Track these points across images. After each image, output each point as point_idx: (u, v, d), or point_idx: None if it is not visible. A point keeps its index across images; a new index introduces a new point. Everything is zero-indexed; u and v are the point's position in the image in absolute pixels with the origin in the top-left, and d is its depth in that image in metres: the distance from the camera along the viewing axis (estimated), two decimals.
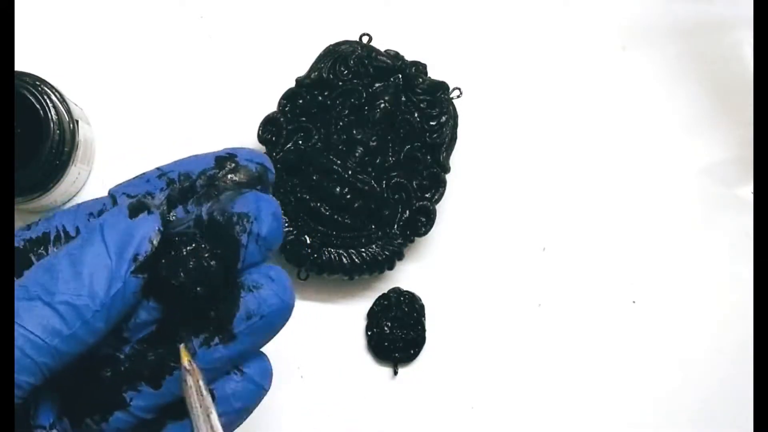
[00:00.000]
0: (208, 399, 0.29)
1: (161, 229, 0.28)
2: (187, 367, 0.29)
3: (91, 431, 0.30)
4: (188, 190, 0.30)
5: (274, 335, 0.31)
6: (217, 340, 0.30)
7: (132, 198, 0.30)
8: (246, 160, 0.31)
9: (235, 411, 0.31)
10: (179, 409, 0.30)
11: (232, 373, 0.31)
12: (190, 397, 0.29)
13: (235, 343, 0.30)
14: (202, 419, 0.29)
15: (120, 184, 0.31)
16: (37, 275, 0.28)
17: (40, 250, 0.30)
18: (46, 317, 0.27)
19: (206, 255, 0.29)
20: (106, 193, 0.32)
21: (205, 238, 0.30)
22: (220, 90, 0.50)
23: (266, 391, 0.32)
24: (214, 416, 0.29)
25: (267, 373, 0.32)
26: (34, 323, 0.27)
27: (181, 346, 0.29)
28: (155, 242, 0.28)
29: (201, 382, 0.29)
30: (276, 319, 0.31)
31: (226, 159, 0.31)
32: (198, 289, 0.29)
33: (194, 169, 0.31)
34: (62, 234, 0.30)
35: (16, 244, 0.30)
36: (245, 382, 0.31)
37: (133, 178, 0.31)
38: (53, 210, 0.47)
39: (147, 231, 0.28)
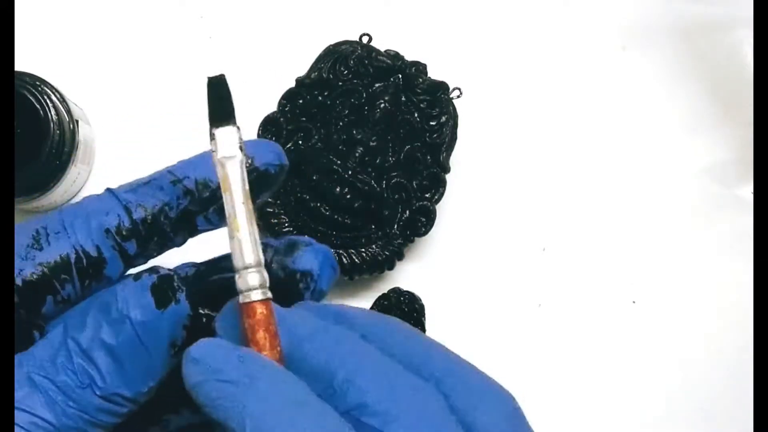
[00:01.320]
0: (251, 205, 0.27)
1: (190, 314, 0.28)
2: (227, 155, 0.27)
3: None
4: (208, 200, 0.29)
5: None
6: None
7: (147, 211, 0.29)
8: (265, 163, 0.30)
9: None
10: (175, 403, 0.30)
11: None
12: (231, 201, 0.27)
13: None
14: (246, 229, 0.27)
15: (132, 187, 0.30)
16: (75, 362, 0.28)
17: (63, 276, 0.29)
18: (104, 406, 0.28)
19: None
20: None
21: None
22: None
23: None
24: (256, 229, 0.27)
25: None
26: (92, 409, 0.27)
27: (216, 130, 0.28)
28: (188, 325, 0.28)
29: (244, 171, 0.27)
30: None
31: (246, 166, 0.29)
32: None
33: (212, 175, 0.29)
34: (83, 257, 0.29)
35: (34, 270, 0.28)
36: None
37: (146, 183, 0.30)
38: (52, 209, 0.47)
39: (179, 321, 0.28)
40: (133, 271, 0.30)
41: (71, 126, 0.43)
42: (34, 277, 0.28)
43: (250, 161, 0.29)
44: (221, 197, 0.28)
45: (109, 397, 0.27)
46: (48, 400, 0.27)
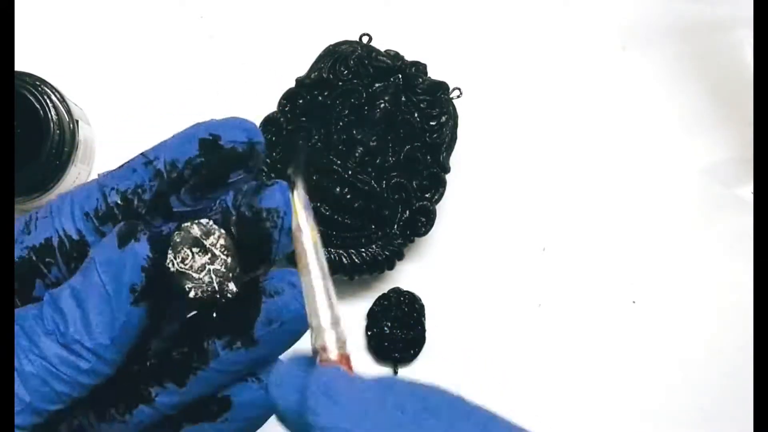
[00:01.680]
0: (324, 259, 0.26)
1: (150, 255, 0.28)
2: (302, 224, 0.27)
3: (114, 422, 0.30)
4: (177, 180, 0.29)
5: (294, 342, 0.31)
6: (239, 343, 0.29)
7: (120, 193, 0.29)
8: (230, 141, 0.29)
9: (251, 419, 0.31)
10: (196, 412, 0.30)
11: (249, 381, 0.30)
12: (305, 257, 0.26)
13: (257, 348, 0.30)
14: (321, 286, 0.26)
15: (108, 173, 0.30)
16: (48, 311, 0.28)
17: (48, 259, 0.29)
18: (64, 355, 0.27)
19: (228, 258, 0.29)
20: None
21: (232, 236, 0.29)
22: (220, 90, 0.49)
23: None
24: (330, 283, 0.26)
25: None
26: (54, 357, 0.27)
27: (293, 193, 0.28)
28: (149, 268, 0.28)
29: (318, 240, 0.27)
30: (296, 325, 0.30)
31: (210, 143, 0.29)
32: (221, 299, 0.29)
33: (179, 156, 0.29)
34: (65, 240, 0.29)
35: (21, 253, 0.29)
36: (263, 391, 0.30)
37: (121, 167, 0.30)
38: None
39: (137, 260, 0.28)
40: None
41: (71, 126, 0.43)
42: (22, 259, 0.29)
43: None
44: (189, 178, 0.29)
45: (70, 344, 0.27)
46: (17, 347, 0.27)
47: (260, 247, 0.29)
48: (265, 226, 0.29)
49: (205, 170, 0.29)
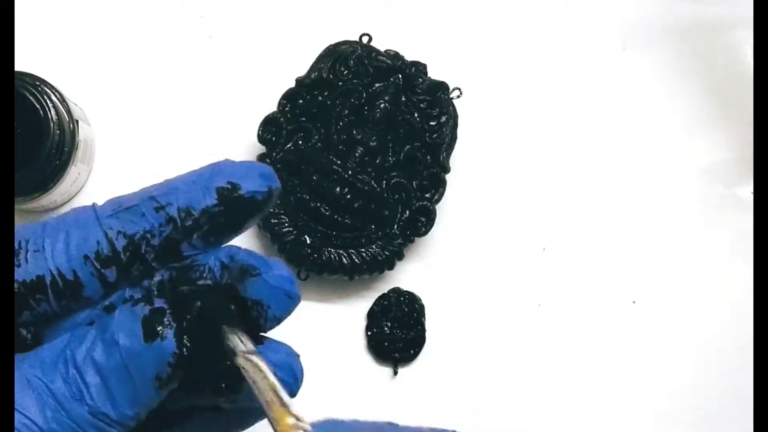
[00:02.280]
0: (271, 376, 0.28)
1: (176, 352, 0.28)
2: (244, 351, 0.28)
3: None
4: (191, 228, 0.29)
5: None
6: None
7: (128, 238, 0.29)
8: (251, 191, 0.29)
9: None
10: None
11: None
12: (254, 381, 0.28)
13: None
14: (271, 398, 0.28)
15: (115, 211, 0.29)
16: (70, 372, 0.28)
17: (38, 296, 0.28)
18: (92, 421, 0.28)
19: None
20: (101, 198, 0.30)
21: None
22: (220, 90, 0.49)
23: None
24: (282, 391, 0.28)
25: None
26: (83, 422, 0.28)
27: (230, 333, 0.29)
28: (174, 363, 0.28)
29: (261, 362, 0.28)
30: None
31: (229, 193, 0.29)
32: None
33: (195, 204, 0.29)
34: (59, 280, 0.28)
35: None
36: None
37: (126, 209, 0.29)
38: (52, 212, 0.47)
39: (164, 357, 0.28)
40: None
41: (71, 126, 0.43)
42: None
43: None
44: (204, 224, 0.29)
45: (96, 414, 0.28)
46: (41, 403, 0.27)
47: (249, 326, 0.29)
48: (250, 315, 0.29)
49: (223, 219, 0.29)
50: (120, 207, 0.29)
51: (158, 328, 0.28)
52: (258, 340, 0.30)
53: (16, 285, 0.28)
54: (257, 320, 0.30)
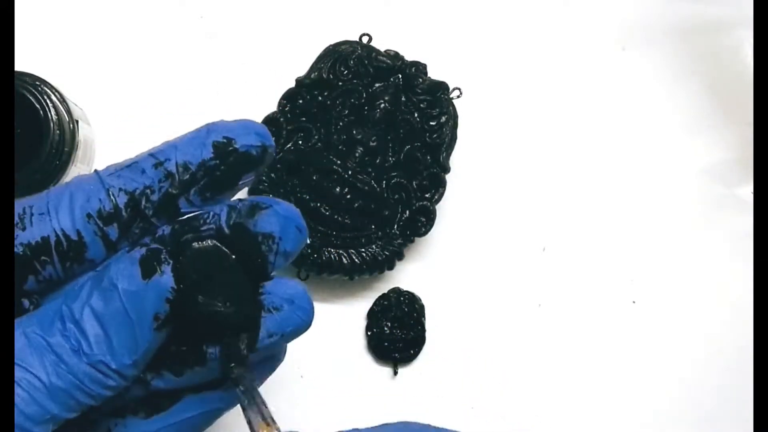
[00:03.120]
0: (258, 396, 0.29)
1: (174, 287, 0.28)
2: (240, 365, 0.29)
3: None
4: (188, 182, 0.30)
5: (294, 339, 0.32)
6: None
7: (128, 195, 0.29)
8: (245, 145, 0.30)
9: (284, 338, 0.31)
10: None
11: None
12: (243, 393, 0.29)
13: (256, 354, 0.31)
14: (254, 416, 0.29)
15: (113, 170, 0.30)
16: (72, 329, 0.28)
17: (43, 258, 0.29)
18: (92, 373, 0.28)
19: (235, 276, 0.29)
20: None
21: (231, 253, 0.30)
22: (220, 90, 0.49)
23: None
24: (265, 408, 0.29)
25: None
26: (83, 375, 0.28)
27: (227, 340, 0.29)
28: (173, 299, 0.28)
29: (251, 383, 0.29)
30: (297, 334, 0.31)
31: (224, 147, 0.30)
32: (230, 313, 0.29)
33: (192, 158, 0.30)
34: (63, 240, 0.29)
35: (15, 249, 0.29)
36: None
37: (127, 167, 0.30)
38: None
39: (162, 293, 0.28)
40: None
41: (71, 126, 0.43)
42: (16, 256, 0.29)
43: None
44: (201, 179, 0.30)
45: (96, 365, 0.28)
46: (40, 358, 0.27)
47: (255, 267, 0.30)
48: (261, 251, 0.30)
49: (218, 173, 0.30)
50: (121, 166, 0.30)
51: (155, 265, 0.28)
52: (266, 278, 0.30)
53: (21, 248, 0.29)
54: (267, 256, 0.30)
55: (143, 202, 0.29)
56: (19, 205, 0.30)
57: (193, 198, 0.30)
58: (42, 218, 0.29)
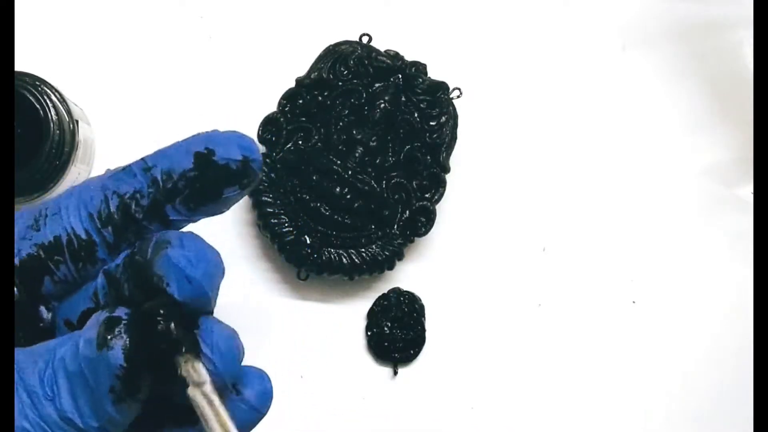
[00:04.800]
0: (223, 412, 0.27)
1: (123, 365, 0.27)
2: (196, 381, 0.27)
3: None
4: (172, 190, 0.29)
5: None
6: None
7: (120, 198, 0.29)
8: (225, 158, 0.29)
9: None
10: (181, 415, 0.30)
11: (230, 393, 0.30)
12: (203, 415, 0.27)
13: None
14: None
15: (111, 174, 0.30)
16: (49, 375, 0.28)
17: (56, 257, 0.29)
18: (61, 424, 0.28)
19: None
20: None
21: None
22: (220, 90, 0.49)
23: (263, 415, 0.30)
24: (233, 428, 0.27)
25: (267, 396, 0.30)
26: (53, 424, 0.27)
27: (182, 361, 0.27)
28: (123, 377, 0.27)
29: (213, 396, 0.27)
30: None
31: (203, 158, 0.29)
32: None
33: (175, 167, 0.29)
34: (74, 239, 0.29)
35: (29, 250, 0.29)
36: (242, 405, 0.30)
37: (123, 169, 0.30)
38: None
39: (111, 369, 0.27)
40: None
41: (71, 126, 0.43)
42: (30, 256, 0.29)
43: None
44: (183, 189, 0.29)
45: (65, 418, 0.27)
46: (17, 398, 0.27)
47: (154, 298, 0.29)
48: (160, 288, 0.28)
49: (198, 184, 0.29)
50: (120, 168, 0.30)
51: (109, 337, 0.27)
52: (195, 325, 0.29)
53: (35, 249, 0.29)
54: (165, 291, 0.28)
55: (133, 206, 0.29)
56: (37, 208, 0.30)
57: (179, 207, 0.30)
58: (54, 219, 0.30)
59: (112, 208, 0.29)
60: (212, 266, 0.29)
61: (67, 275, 0.30)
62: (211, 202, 0.30)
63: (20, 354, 0.28)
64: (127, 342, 0.27)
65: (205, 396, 0.27)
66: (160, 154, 0.30)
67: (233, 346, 0.28)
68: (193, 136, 0.30)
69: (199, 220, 0.30)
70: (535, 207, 0.50)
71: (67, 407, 0.27)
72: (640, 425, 0.48)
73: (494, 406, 0.48)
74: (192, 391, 0.27)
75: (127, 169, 0.30)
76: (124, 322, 0.27)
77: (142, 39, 0.50)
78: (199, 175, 0.29)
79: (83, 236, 0.29)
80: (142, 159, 0.30)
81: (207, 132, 0.30)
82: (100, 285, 0.30)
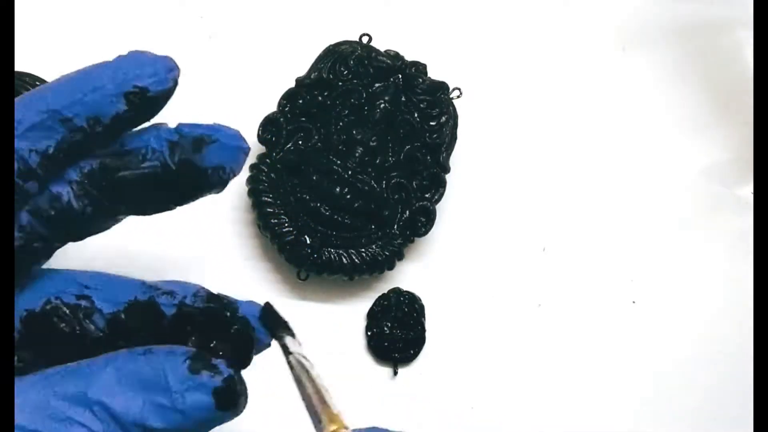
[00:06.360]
0: (319, 380, 0.29)
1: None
2: (299, 353, 0.29)
3: None
4: (102, 134, 0.29)
5: None
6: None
7: (40, 153, 0.29)
8: (159, 90, 0.30)
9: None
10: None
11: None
12: (299, 381, 0.29)
13: None
14: (317, 401, 0.29)
15: (20, 132, 0.29)
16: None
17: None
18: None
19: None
20: None
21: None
22: (220, 90, 0.49)
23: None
24: (329, 396, 0.29)
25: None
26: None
27: (284, 333, 0.30)
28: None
29: (312, 367, 0.29)
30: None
31: (139, 98, 0.29)
32: None
33: (103, 112, 0.29)
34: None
35: None
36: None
37: (28, 127, 0.29)
38: None
39: (235, 414, 0.29)
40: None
41: None
42: None
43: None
44: (117, 128, 0.29)
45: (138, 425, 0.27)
46: None
47: (202, 193, 0.30)
48: (209, 181, 0.30)
49: (135, 120, 0.29)
50: (22, 125, 0.29)
51: (233, 399, 0.28)
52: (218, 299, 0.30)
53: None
54: (215, 184, 0.30)
55: (59, 156, 0.29)
56: None
57: (108, 143, 0.30)
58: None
59: (33, 165, 0.29)
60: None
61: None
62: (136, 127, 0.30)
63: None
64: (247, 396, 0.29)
65: (303, 365, 0.30)
66: (74, 102, 0.29)
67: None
68: (105, 68, 0.30)
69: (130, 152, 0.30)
70: (535, 207, 0.50)
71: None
72: (640, 425, 0.48)
73: (494, 406, 0.48)
74: (293, 360, 0.30)
75: (39, 126, 0.29)
76: (236, 377, 0.29)
77: (142, 39, 0.50)
78: (136, 114, 0.29)
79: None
80: (53, 110, 0.29)
81: (119, 61, 0.30)
82: (26, 222, 0.29)
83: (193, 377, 0.27)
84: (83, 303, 0.30)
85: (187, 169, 0.29)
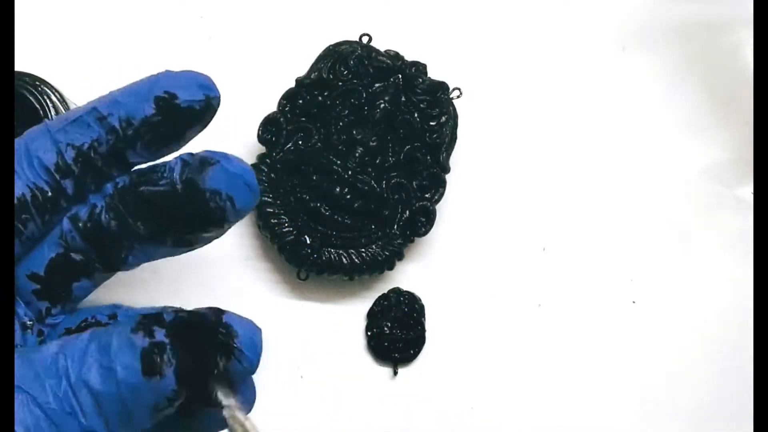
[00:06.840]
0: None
1: (175, 388, 0.27)
2: (230, 407, 0.28)
3: None
4: (132, 137, 0.30)
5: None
6: None
7: (77, 149, 0.29)
8: (188, 100, 0.29)
9: None
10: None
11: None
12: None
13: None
14: None
15: (60, 125, 0.30)
16: (63, 388, 0.27)
17: (24, 216, 0.29)
18: None
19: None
20: None
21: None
22: (220, 90, 0.49)
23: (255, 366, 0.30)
24: None
25: (255, 344, 0.29)
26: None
27: (217, 386, 0.28)
28: (172, 397, 0.27)
29: (245, 420, 0.28)
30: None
31: (166, 103, 0.29)
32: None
33: (134, 114, 0.29)
34: (39, 195, 0.29)
35: None
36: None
37: (73, 121, 0.30)
38: None
39: (165, 393, 0.27)
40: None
41: None
42: None
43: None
44: (145, 134, 0.30)
45: (89, 431, 0.27)
46: (33, 417, 0.27)
47: (202, 222, 0.30)
48: (208, 208, 0.29)
49: (162, 129, 0.30)
50: (67, 120, 0.30)
51: (158, 364, 0.27)
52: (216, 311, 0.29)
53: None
54: (215, 213, 0.29)
55: (92, 155, 0.30)
56: None
57: (141, 151, 0.30)
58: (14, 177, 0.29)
59: (69, 160, 0.30)
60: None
61: (34, 231, 0.30)
62: (174, 144, 0.30)
63: (18, 364, 0.28)
64: (177, 367, 0.27)
65: (237, 419, 0.28)
66: (112, 101, 0.30)
67: (257, 342, 0.28)
68: (144, 79, 0.30)
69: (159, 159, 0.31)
70: (535, 207, 0.50)
71: (93, 422, 0.27)
72: (640, 425, 0.48)
73: (494, 406, 0.48)
74: (226, 413, 0.28)
75: (78, 121, 0.30)
76: (169, 347, 0.27)
77: (142, 39, 0.50)
78: (163, 120, 0.29)
79: (46, 189, 0.29)
80: (93, 108, 0.30)
81: (158, 74, 0.30)
82: (67, 229, 0.30)
83: (129, 336, 0.27)
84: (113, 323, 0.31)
85: (190, 187, 0.30)
